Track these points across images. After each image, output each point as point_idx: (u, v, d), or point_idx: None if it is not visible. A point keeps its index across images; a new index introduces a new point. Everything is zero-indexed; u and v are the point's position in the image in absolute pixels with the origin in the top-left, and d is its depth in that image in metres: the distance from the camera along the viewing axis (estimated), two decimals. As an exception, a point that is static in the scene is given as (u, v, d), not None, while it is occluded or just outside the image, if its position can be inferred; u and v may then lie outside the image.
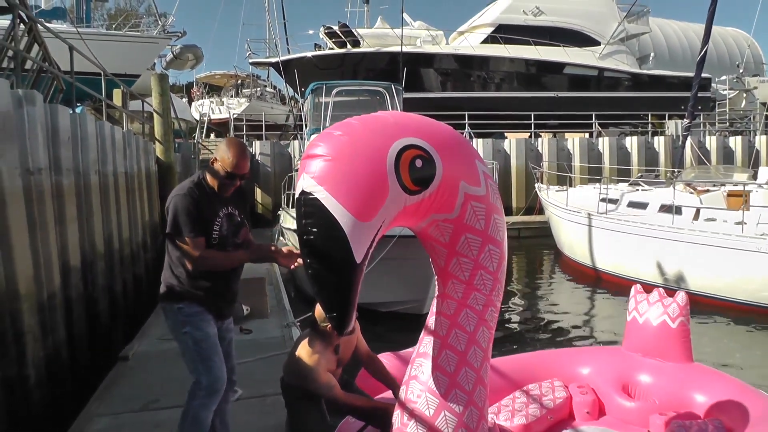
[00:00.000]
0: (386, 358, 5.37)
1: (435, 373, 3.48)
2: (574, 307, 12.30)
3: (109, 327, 7.81)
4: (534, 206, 20.28)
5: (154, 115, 13.43)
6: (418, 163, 3.00)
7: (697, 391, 5.25)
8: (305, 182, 2.82)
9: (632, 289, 5.87)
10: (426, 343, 3.59)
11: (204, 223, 3.70)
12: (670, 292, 5.73)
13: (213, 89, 38.99)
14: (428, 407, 3.49)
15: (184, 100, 35.85)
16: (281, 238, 13.00)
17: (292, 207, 12.95)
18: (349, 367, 4.59)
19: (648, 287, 5.90)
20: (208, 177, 3.83)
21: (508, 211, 22.14)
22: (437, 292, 3.65)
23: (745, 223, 10.93)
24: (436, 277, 3.69)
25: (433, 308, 3.63)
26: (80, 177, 7.36)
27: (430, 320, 3.62)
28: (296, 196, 2.88)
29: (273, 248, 3.98)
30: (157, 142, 13.04)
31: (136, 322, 8.55)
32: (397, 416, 3.65)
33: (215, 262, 3.73)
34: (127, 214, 9.65)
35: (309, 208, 2.78)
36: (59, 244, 6.41)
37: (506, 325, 10.73)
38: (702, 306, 11.08)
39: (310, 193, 2.78)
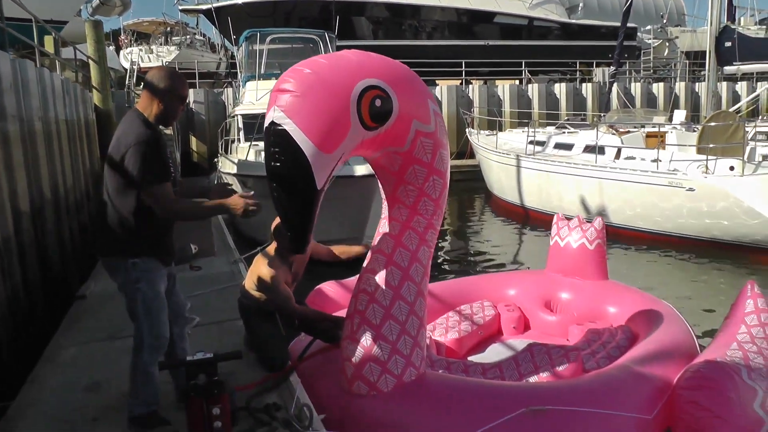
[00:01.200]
0: (329, 286, 5.89)
1: (381, 287, 3.98)
2: (503, 241, 13.13)
3: (62, 272, 7.96)
4: (465, 151, 20.89)
5: (90, 63, 13.26)
6: (378, 102, 3.43)
7: (609, 304, 5.96)
8: (275, 114, 3.23)
9: (554, 217, 6.51)
10: (373, 260, 4.09)
11: (166, 166, 3.51)
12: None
13: (141, 37, 37.80)
14: (375, 317, 4.00)
15: (112, 48, 34.73)
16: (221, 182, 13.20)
17: (230, 153, 13.16)
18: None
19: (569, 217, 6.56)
20: (153, 113, 3.55)
21: (441, 156, 22.67)
22: (384, 215, 4.12)
23: (660, 161, 11.77)
24: (377, 213, 4.17)
25: (380, 229, 4.12)
26: (24, 124, 7.38)
27: (377, 240, 4.10)
28: (265, 126, 3.28)
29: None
30: (94, 90, 12.92)
31: (86, 267, 8.73)
32: (347, 326, 4.15)
33: (187, 212, 3.60)
34: (70, 162, 9.68)
35: (277, 138, 3.20)
36: (8, 189, 6.46)
37: (441, 258, 11.44)
38: (622, 237, 12.03)
39: (278, 125, 3.20)
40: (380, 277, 4.00)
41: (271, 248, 4.75)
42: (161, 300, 3.62)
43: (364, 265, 4.15)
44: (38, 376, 4.62)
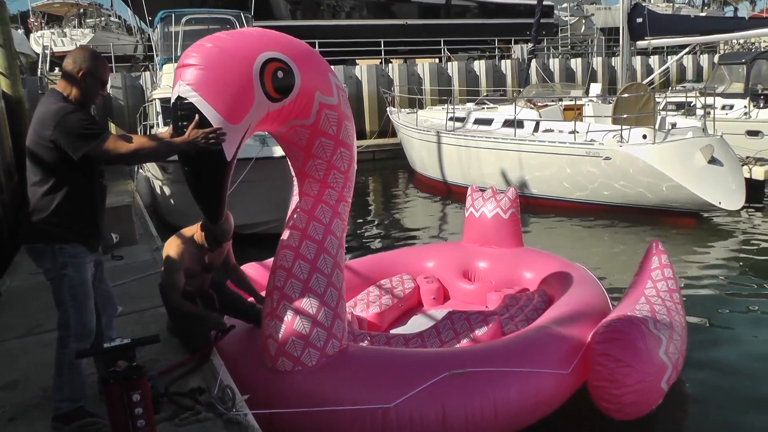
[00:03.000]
0: (251, 268, 5.90)
1: (297, 261, 4.03)
2: (426, 217, 13.36)
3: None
4: (387, 130, 20.95)
5: (-5, 46, 12.65)
6: (280, 74, 3.50)
7: (526, 269, 6.17)
8: (180, 89, 3.24)
9: (468, 189, 6.65)
10: (288, 236, 4.13)
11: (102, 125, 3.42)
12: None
13: (53, 19, 36.28)
14: (294, 291, 4.04)
15: (21, 31, 33.25)
16: (140, 170, 12.94)
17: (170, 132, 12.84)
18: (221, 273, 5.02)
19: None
20: (72, 95, 3.42)
21: (362, 135, 22.70)
22: (295, 191, 4.16)
23: (578, 132, 12.12)
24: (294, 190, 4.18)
25: (293, 206, 4.16)
26: None
27: (291, 216, 4.14)
28: (172, 102, 3.28)
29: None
30: (1, 77, 12.37)
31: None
32: (267, 303, 4.18)
33: (149, 150, 3.38)
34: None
35: (185, 112, 3.21)
36: None
37: (364, 235, 11.59)
38: (542, 208, 12.41)
39: (185, 99, 3.21)
40: (296, 252, 4.04)
41: (188, 230, 4.70)
42: (88, 287, 3.53)
43: (280, 241, 4.17)
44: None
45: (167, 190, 10.98)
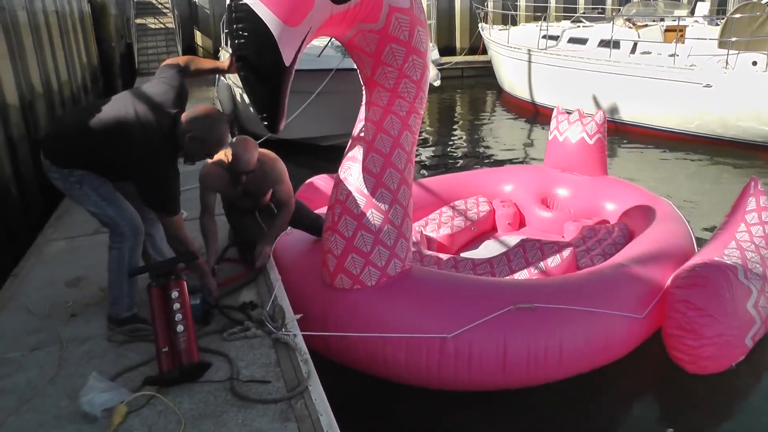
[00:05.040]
0: (321, 179, 5.72)
1: (363, 174, 3.81)
2: (509, 138, 12.81)
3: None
4: (477, 46, 20.26)
5: (82, -49, 12.73)
6: (344, -28, 3.16)
7: (607, 200, 5.78)
8: None
9: (554, 110, 6.23)
10: (353, 147, 3.89)
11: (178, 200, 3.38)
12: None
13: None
14: (356, 206, 3.84)
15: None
16: (222, 78, 12.91)
17: (228, 43, 12.80)
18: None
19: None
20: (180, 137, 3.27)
21: (452, 51, 22.11)
22: (364, 101, 3.90)
23: (678, 56, 11.29)
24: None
25: (360, 115, 3.90)
26: (5, 13, 7.13)
27: (358, 126, 3.90)
28: (227, 3, 3.04)
29: None
30: (87, -19, 12.49)
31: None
32: (328, 217, 4.00)
33: (186, 253, 3.39)
34: (63, 55, 9.43)
35: (240, 14, 2.96)
36: (-8, 81, 6.32)
37: (441, 153, 11.26)
38: (632, 135, 11.75)
39: (240, 0, 2.95)
40: (361, 165, 3.82)
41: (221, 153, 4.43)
42: (109, 185, 3.45)
43: (345, 152, 3.96)
44: (23, 270, 4.58)
45: (247, 99, 10.92)
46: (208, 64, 3.80)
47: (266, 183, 4.30)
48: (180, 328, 2.91)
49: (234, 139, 4.18)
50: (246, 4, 2.95)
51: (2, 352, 3.34)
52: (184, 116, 3.27)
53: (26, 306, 3.91)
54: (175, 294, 2.95)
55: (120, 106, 3.27)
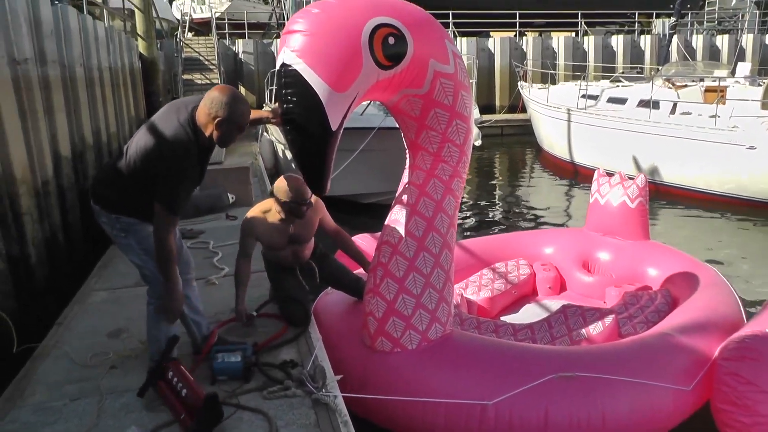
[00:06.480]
0: (362, 239, 5.75)
1: (405, 238, 3.83)
2: (548, 198, 12.75)
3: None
4: (517, 105, 20.41)
5: (136, 11, 13.29)
6: (391, 40, 3.25)
7: (650, 265, 5.68)
8: (285, 56, 3.08)
9: (595, 173, 6.20)
10: (396, 211, 3.92)
11: (189, 195, 3.43)
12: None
13: (194, -12, 37.77)
14: (398, 269, 3.85)
15: (165, -1, 34.85)
16: (265, 133, 13.19)
17: (275, 102, 13.11)
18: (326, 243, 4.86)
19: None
20: (208, 133, 3.31)
21: (492, 110, 22.30)
22: (407, 163, 3.94)
23: (719, 117, 11.18)
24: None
25: (404, 178, 3.94)
26: (65, 69, 7.43)
27: (401, 189, 3.93)
28: (276, 69, 3.14)
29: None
30: (139, 39, 12.96)
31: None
32: (370, 279, 4.02)
33: (161, 251, 3.34)
34: (113, 108, 9.76)
35: (289, 79, 3.05)
36: (49, 133, 6.53)
37: (480, 213, 11.23)
38: (673, 197, 11.58)
39: (289, 66, 3.05)
40: (403, 228, 3.85)
41: (266, 201, 4.48)
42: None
43: (388, 215, 3.99)
44: (67, 319, 4.68)
45: (289, 154, 11.10)
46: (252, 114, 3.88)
47: (312, 220, 4.44)
48: (184, 392, 3.09)
49: (283, 177, 4.26)
50: (295, 70, 3.04)
51: (45, 401, 3.42)
52: (200, 108, 3.29)
53: (68, 355, 4.00)
54: (170, 375, 3.18)
55: (143, 131, 3.39)
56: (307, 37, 3.07)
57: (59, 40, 7.25)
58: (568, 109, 14.43)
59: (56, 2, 7.44)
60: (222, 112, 3.21)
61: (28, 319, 5.17)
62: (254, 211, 4.45)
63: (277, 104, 3.33)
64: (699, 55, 25.64)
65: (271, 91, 14.12)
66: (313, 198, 4.38)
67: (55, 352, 4.06)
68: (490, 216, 11.20)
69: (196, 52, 20.09)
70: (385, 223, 3.99)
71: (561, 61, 23.86)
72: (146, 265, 3.53)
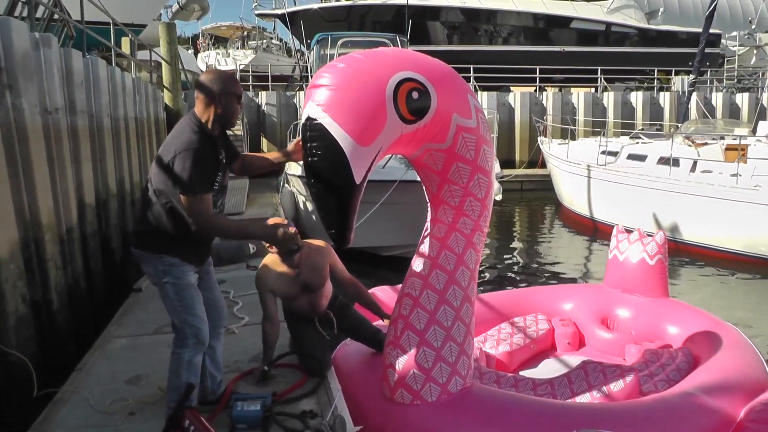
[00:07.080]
0: (381, 291, 5.76)
1: (425, 291, 3.84)
2: (569, 254, 12.73)
3: (123, 263, 8.15)
4: (537, 160, 20.51)
5: (162, 63, 13.61)
6: (415, 95, 3.33)
7: (670, 323, 5.62)
8: (311, 109, 3.17)
9: (614, 229, 6.20)
10: (417, 264, 3.95)
11: (212, 177, 3.46)
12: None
13: (219, 41, 38.87)
14: (419, 321, 3.86)
15: (190, 51, 35.85)
16: (286, 185, 13.31)
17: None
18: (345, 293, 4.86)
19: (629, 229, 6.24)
20: (212, 117, 3.46)
21: (511, 164, 22.37)
22: (429, 216, 3.98)
23: (740, 176, 11.15)
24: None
25: (425, 232, 3.98)
26: (93, 119, 7.60)
27: (422, 243, 3.96)
28: (301, 122, 3.22)
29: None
30: (165, 90, 13.25)
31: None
32: (391, 331, 4.02)
33: (220, 229, 3.50)
34: (137, 158, 9.93)
35: (314, 133, 3.13)
36: (75, 181, 6.66)
37: (500, 267, 11.21)
38: (695, 255, 11.48)
39: (315, 119, 3.13)
40: (425, 281, 3.86)
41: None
42: (194, 289, 3.59)
43: (409, 268, 4.02)
44: (87, 365, 4.72)
45: (310, 206, 11.19)
46: (272, 155, 4.05)
47: (320, 265, 4.44)
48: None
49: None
50: (320, 123, 3.12)
51: (64, 447, 3.43)
52: (196, 103, 3.49)
53: (88, 400, 4.04)
54: (187, 423, 3.21)
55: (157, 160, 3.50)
56: (332, 91, 3.16)
57: (88, 90, 7.44)
58: (588, 166, 14.48)
59: (87, 54, 7.67)
60: (215, 87, 3.40)
61: (48, 363, 5.21)
62: (262, 264, 4.52)
63: (298, 138, 3.43)
64: (719, 113, 25.63)
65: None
66: (320, 247, 4.45)
67: (74, 397, 4.10)
68: (510, 270, 11.18)
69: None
70: (407, 275, 4.01)
71: (581, 116, 23.98)
72: (177, 316, 3.57)
